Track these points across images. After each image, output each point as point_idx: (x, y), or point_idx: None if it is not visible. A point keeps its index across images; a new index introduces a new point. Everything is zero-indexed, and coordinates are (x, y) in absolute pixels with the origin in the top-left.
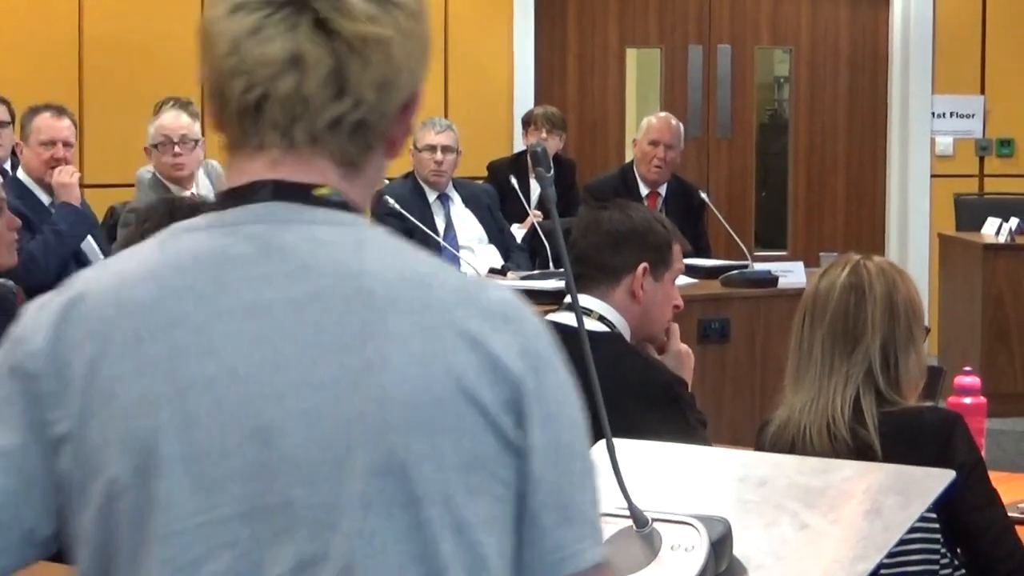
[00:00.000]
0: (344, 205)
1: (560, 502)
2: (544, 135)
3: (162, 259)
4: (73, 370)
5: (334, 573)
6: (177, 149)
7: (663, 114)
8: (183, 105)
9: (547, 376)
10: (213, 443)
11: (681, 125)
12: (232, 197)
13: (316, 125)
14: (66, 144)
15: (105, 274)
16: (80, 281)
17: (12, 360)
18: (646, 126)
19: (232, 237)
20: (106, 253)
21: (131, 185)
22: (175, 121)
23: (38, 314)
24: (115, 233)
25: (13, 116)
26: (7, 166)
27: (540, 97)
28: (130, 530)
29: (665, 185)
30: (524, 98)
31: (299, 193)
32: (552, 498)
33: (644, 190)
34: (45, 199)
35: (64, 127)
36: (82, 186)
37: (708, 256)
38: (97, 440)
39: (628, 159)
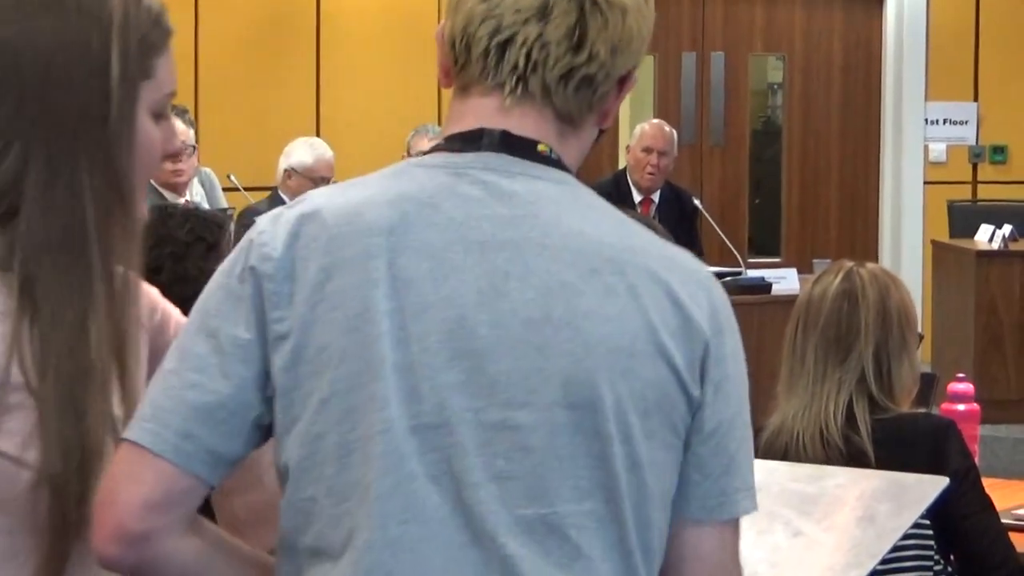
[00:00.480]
0: (560, 163)
1: (725, 454)
2: None
3: (397, 188)
4: (302, 277)
5: (524, 489)
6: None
7: (656, 121)
8: (179, 113)
9: (727, 340)
10: (427, 357)
11: (674, 132)
12: (461, 140)
13: (550, 75)
14: None
15: (340, 196)
16: (314, 198)
17: (249, 262)
18: (639, 133)
19: (463, 178)
20: None
21: None
22: None
23: (275, 223)
24: None
25: None
26: None
27: None
28: (343, 425)
29: (658, 192)
30: None
31: (523, 146)
32: (719, 449)
33: (637, 197)
34: None
35: None
36: None
37: (701, 263)
38: (320, 343)
39: (621, 166)
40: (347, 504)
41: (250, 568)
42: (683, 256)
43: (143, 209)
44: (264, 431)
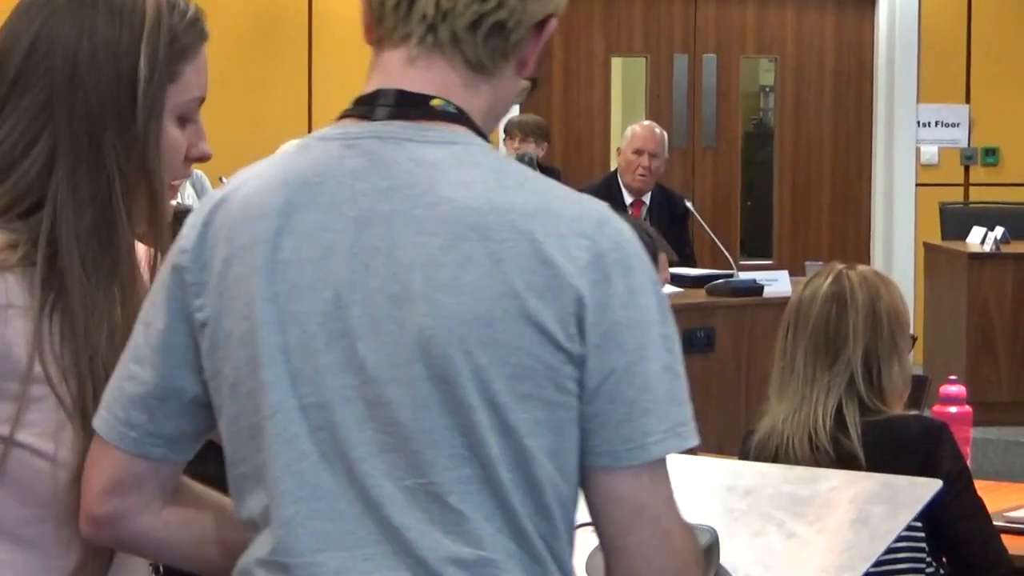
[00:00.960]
0: (458, 116)
1: (623, 401)
2: (517, 144)
3: (293, 169)
4: (212, 268)
5: (403, 461)
6: None
7: (647, 123)
8: None
9: (615, 286)
10: (307, 339)
11: (665, 134)
12: (361, 103)
13: (459, 23)
14: None
15: (249, 178)
16: (231, 183)
17: (173, 254)
18: (630, 135)
19: (353, 150)
20: None
21: None
22: None
23: (195, 213)
24: None
25: None
26: None
27: (524, 106)
28: (249, 408)
29: (649, 194)
30: None
31: (417, 102)
32: (615, 398)
33: (628, 199)
34: None
35: None
36: None
37: (693, 264)
38: (226, 331)
39: (613, 168)
40: (262, 483)
41: (234, 535)
42: (566, 206)
43: (168, 210)
44: (210, 408)
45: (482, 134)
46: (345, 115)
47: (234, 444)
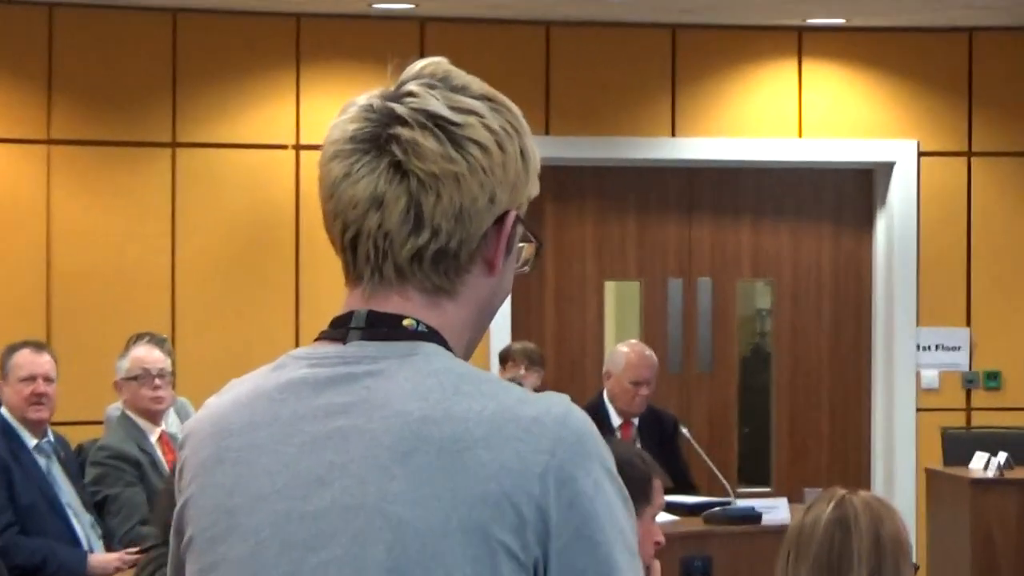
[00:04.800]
0: (428, 335)
1: None
2: (523, 371)
3: (262, 386)
4: (185, 479)
5: None
6: (157, 382)
7: (638, 347)
8: (158, 341)
9: (572, 489)
10: (260, 549)
11: (655, 355)
12: (335, 323)
13: (400, 258)
14: (46, 379)
15: (225, 397)
16: (213, 400)
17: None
18: (624, 363)
19: (317, 369)
20: (78, 489)
21: (99, 422)
22: (151, 355)
23: (182, 431)
24: (84, 471)
25: None
26: None
27: (516, 332)
28: None
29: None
30: (500, 334)
31: (389, 322)
32: None
33: (616, 420)
34: (29, 441)
35: (44, 362)
36: (49, 423)
37: (693, 487)
38: (193, 539)
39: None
40: None
41: None
42: (524, 407)
43: None
44: None
45: (450, 348)
46: (321, 336)
47: None
